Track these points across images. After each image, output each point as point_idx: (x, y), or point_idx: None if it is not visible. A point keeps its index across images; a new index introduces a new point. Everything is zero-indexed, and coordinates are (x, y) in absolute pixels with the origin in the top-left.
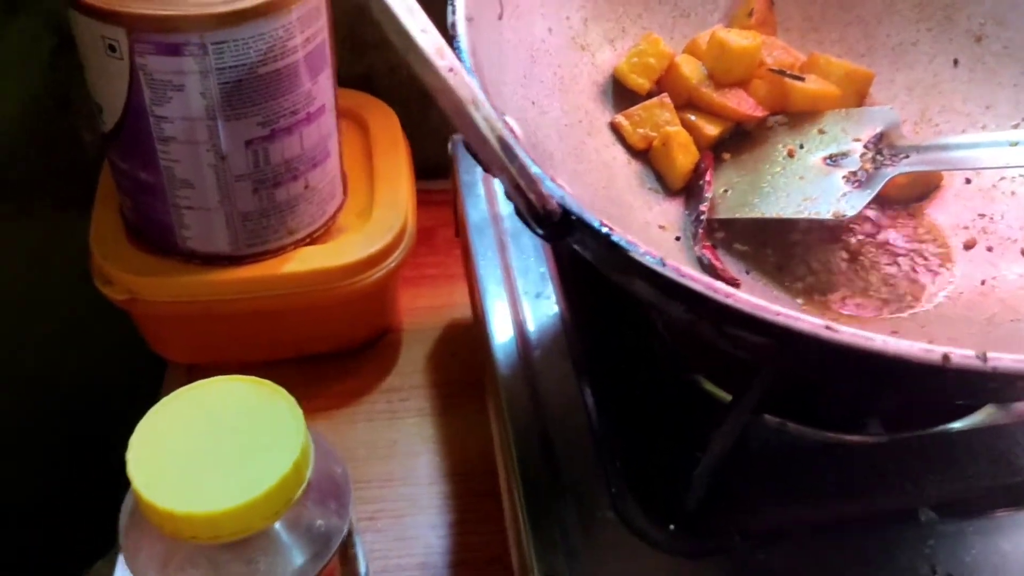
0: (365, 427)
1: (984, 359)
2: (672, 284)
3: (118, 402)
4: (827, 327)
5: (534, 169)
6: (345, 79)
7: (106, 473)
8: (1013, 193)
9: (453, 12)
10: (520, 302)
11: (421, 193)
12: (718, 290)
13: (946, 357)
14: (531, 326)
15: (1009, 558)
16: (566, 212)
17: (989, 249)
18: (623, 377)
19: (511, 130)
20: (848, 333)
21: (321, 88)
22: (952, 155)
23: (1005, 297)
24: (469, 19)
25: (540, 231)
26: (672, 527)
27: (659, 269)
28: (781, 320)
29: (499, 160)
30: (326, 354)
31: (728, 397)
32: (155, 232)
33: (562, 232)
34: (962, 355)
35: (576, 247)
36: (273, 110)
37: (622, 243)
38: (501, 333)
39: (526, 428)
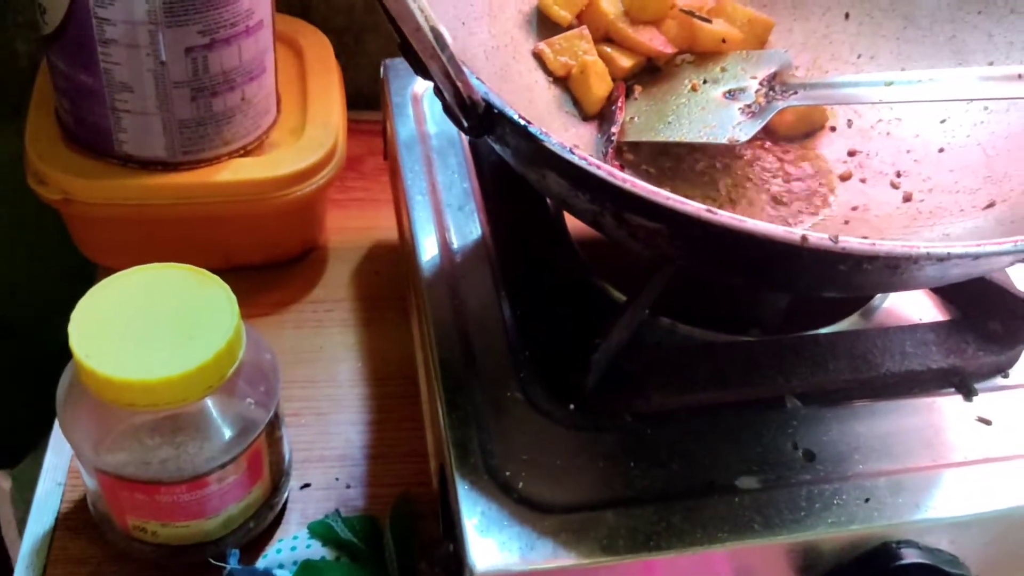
0: (292, 333)
1: (835, 240)
2: (579, 171)
3: (47, 305)
4: (708, 210)
5: (464, 69)
6: (282, 6)
7: (33, 371)
8: (888, 134)
9: None
10: (444, 214)
11: (352, 123)
12: (617, 176)
13: (804, 238)
14: (454, 236)
15: (861, 438)
16: (489, 105)
17: (863, 181)
18: (536, 281)
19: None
20: (725, 216)
21: (260, 3)
22: (835, 92)
23: (872, 220)
24: None
25: (465, 123)
26: (572, 406)
27: (568, 156)
28: (670, 203)
29: (431, 48)
30: (255, 265)
31: (623, 297)
32: (92, 135)
33: (485, 124)
34: (817, 237)
35: (496, 144)
36: (214, 19)
37: (537, 134)
38: (426, 242)
39: (447, 326)
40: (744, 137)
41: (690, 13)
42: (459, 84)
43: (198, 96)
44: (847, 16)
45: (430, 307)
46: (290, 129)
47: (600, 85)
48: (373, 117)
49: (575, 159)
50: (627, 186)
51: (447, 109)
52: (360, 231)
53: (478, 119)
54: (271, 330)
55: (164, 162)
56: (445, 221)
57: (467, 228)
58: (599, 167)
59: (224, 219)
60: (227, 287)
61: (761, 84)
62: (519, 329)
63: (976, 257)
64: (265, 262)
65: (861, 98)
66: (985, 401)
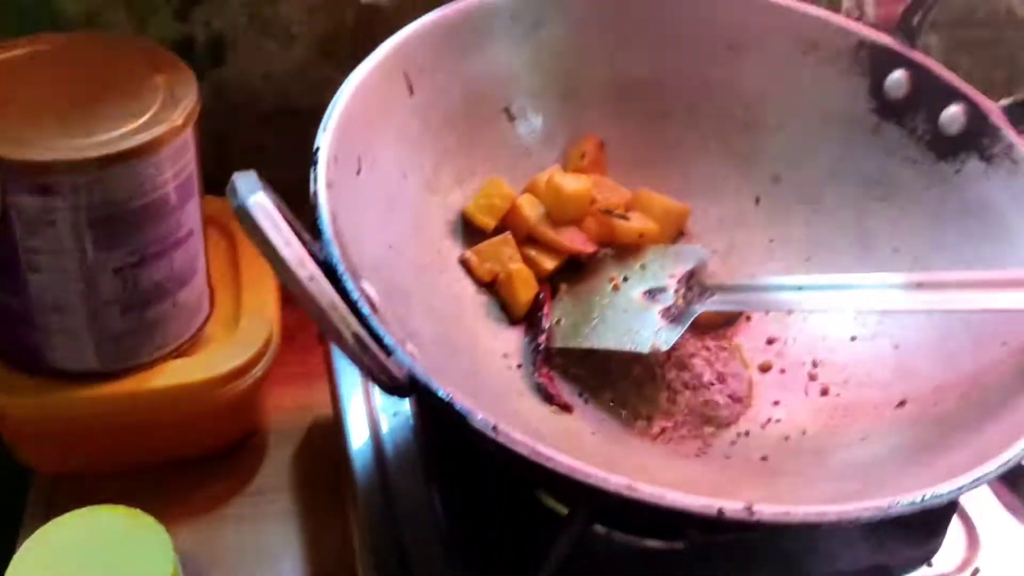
0: (232, 531)
1: (751, 512)
2: (502, 448)
3: None
4: (629, 487)
5: (387, 341)
6: (212, 187)
7: None
8: (804, 319)
9: (314, 182)
10: (377, 413)
11: (286, 291)
12: (540, 453)
13: (720, 511)
14: (387, 435)
15: None
16: (414, 380)
17: (782, 371)
18: (470, 488)
19: (367, 297)
20: (646, 492)
21: (189, 214)
22: (748, 296)
23: (793, 419)
24: (329, 185)
25: (392, 394)
26: None
27: (492, 435)
28: (591, 481)
29: (353, 352)
30: (193, 458)
31: (564, 511)
32: (21, 353)
33: (411, 394)
34: (732, 508)
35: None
36: (142, 240)
37: (462, 410)
38: (359, 441)
39: (381, 535)
40: (665, 346)
41: (608, 212)
42: (383, 378)
43: (128, 310)
44: (757, 201)
45: (365, 517)
46: (224, 321)
47: (525, 291)
48: None
49: (499, 438)
50: (550, 464)
51: (374, 382)
52: (298, 410)
53: (404, 390)
54: (210, 530)
55: (97, 373)
56: (378, 420)
57: (400, 428)
58: (521, 444)
59: (160, 422)
60: (162, 529)
61: (679, 283)
62: (456, 544)
63: (885, 516)
64: (203, 454)
65: (773, 305)
66: None
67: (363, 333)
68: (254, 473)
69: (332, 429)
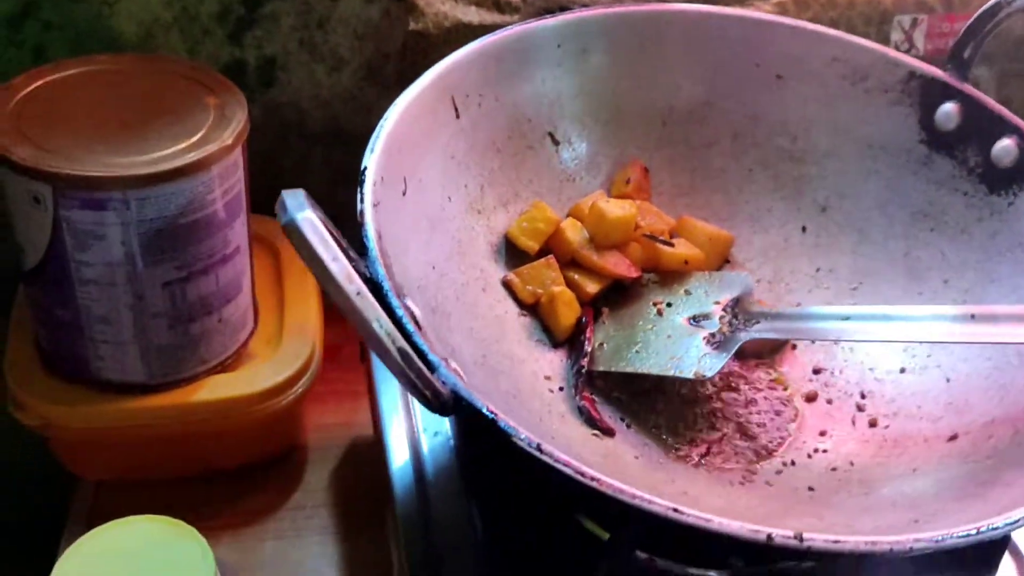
0: (272, 546)
1: (800, 539)
2: (547, 467)
3: (28, 514)
4: (675, 509)
5: (431, 357)
6: (259, 205)
7: None
8: (852, 349)
9: (362, 201)
10: (418, 433)
11: (329, 309)
12: (585, 474)
13: (769, 536)
14: (427, 455)
15: None
16: (458, 398)
17: (828, 402)
18: (510, 510)
19: (411, 314)
20: (692, 515)
21: (236, 232)
22: (794, 325)
23: (840, 451)
24: (375, 204)
25: (436, 412)
26: None
27: (536, 454)
28: (636, 503)
29: (399, 367)
30: (235, 470)
31: (605, 535)
32: (69, 362)
33: (455, 412)
34: (782, 535)
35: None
36: (191, 255)
37: (506, 428)
38: (399, 462)
39: (420, 555)
40: (710, 373)
41: (652, 238)
42: (427, 393)
43: (175, 324)
44: (804, 229)
45: (403, 537)
46: (267, 338)
47: (568, 314)
48: None
49: (544, 457)
50: (594, 484)
51: (418, 399)
52: (339, 427)
53: (448, 408)
54: (250, 543)
55: (142, 385)
56: (419, 440)
57: (441, 450)
58: (566, 463)
59: (203, 434)
60: (203, 541)
61: (724, 311)
62: (494, 568)
63: (938, 547)
64: (244, 466)
65: (819, 334)
66: None
67: (408, 349)
68: (294, 488)
69: (372, 447)
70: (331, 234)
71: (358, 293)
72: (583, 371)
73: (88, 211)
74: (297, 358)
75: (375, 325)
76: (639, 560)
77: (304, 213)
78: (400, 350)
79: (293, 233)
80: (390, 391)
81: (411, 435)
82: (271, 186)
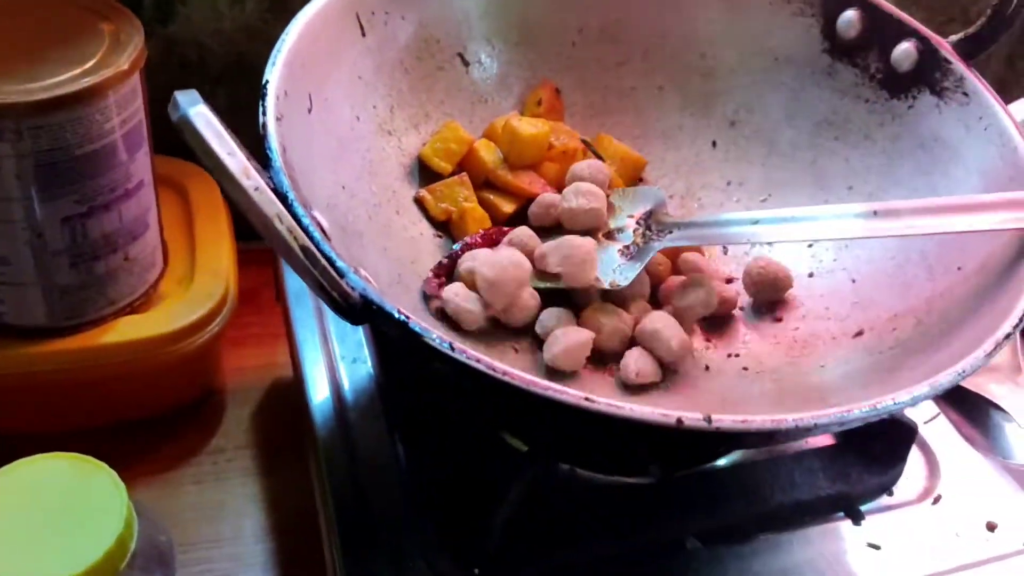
0: (193, 490)
1: (709, 420)
2: (460, 365)
3: None
4: (586, 398)
5: (339, 263)
6: (165, 147)
7: None
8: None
9: (264, 114)
10: (337, 366)
11: (245, 253)
12: (496, 368)
13: (679, 420)
14: (347, 388)
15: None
16: (367, 302)
17: (741, 309)
18: (432, 434)
19: (319, 224)
20: (603, 403)
21: (139, 165)
22: (706, 232)
23: (754, 352)
24: (279, 118)
25: (346, 318)
26: (477, 571)
27: (448, 352)
28: (548, 394)
29: (303, 265)
30: (150, 418)
31: (524, 447)
32: None
33: (365, 318)
34: (691, 417)
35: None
36: (91, 189)
37: (418, 329)
38: (319, 395)
39: (343, 486)
40: (624, 282)
41: (588, 145)
42: (334, 294)
43: (78, 262)
44: (714, 144)
45: (326, 468)
46: (178, 278)
47: (479, 229)
48: (267, 246)
49: (457, 355)
50: (506, 379)
51: (326, 302)
52: (257, 369)
53: (358, 314)
54: (170, 489)
55: (47, 328)
56: (339, 373)
57: (361, 380)
58: (477, 360)
59: (115, 379)
60: (114, 474)
61: (638, 223)
62: (418, 488)
63: (842, 423)
64: (160, 414)
65: (731, 239)
66: (873, 524)
67: (312, 248)
68: (213, 432)
69: (293, 388)
70: (229, 133)
71: (256, 188)
72: None
73: None
74: (210, 298)
75: (276, 222)
76: (560, 471)
77: (197, 108)
78: (304, 248)
79: (186, 128)
80: (308, 325)
81: (330, 370)
82: (176, 127)
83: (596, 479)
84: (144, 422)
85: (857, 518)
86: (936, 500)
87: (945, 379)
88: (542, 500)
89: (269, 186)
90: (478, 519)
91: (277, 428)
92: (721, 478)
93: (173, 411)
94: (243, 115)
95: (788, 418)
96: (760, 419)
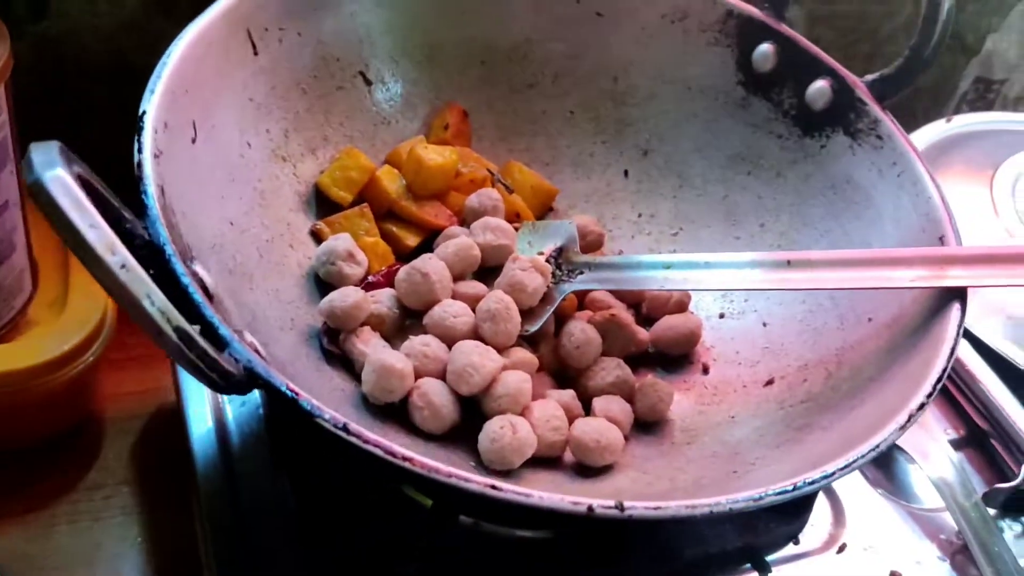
0: (66, 531)
1: (622, 509)
2: (355, 448)
3: None
4: (492, 486)
5: (223, 331)
6: None
7: None
8: None
9: (139, 151)
10: (223, 402)
11: None
12: (396, 454)
13: (590, 508)
14: (232, 419)
15: None
16: (252, 375)
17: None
18: (325, 477)
19: (199, 281)
20: (510, 491)
21: (3, 185)
22: (617, 275)
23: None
24: (156, 155)
25: (230, 393)
26: None
27: (342, 435)
28: (452, 482)
29: (177, 349)
30: (19, 450)
31: (428, 502)
32: None
33: (253, 389)
34: (603, 505)
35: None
36: None
37: (309, 408)
38: (201, 427)
39: (226, 529)
40: (534, 328)
41: (500, 180)
42: (213, 376)
43: None
44: (626, 174)
45: (206, 509)
46: (50, 302)
47: (382, 266)
48: None
49: (350, 438)
50: (406, 465)
51: (207, 384)
52: (141, 395)
53: (243, 386)
54: (41, 529)
55: None
56: (222, 403)
57: (247, 412)
58: (375, 444)
59: None
60: None
61: (548, 261)
62: (309, 535)
63: (759, 500)
64: (31, 445)
65: (641, 283)
66: (780, 575)
67: (187, 328)
68: (91, 465)
69: (177, 416)
70: (96, 194)
71: (123, 266)
72: None
73: None
74: (85, 324)
75: (146, 303)
76: (463, 525)
77: (54, 171)
78: (178, 329)
79: (40, 195)
80: None
81: (214, 401)
82: (48, 133)
83: (500, 532)
84: (12, 454)
85: (764, 570)
86: (841, 549)
87: (859, 454)
88: (445, 554)
89: (142, 242)
90: (376, 572)
91: (161, 460)
92: (630, 532)
93: (46, 442)
94: (126, 116)
95: (702, 503)
96: (675, 505)
